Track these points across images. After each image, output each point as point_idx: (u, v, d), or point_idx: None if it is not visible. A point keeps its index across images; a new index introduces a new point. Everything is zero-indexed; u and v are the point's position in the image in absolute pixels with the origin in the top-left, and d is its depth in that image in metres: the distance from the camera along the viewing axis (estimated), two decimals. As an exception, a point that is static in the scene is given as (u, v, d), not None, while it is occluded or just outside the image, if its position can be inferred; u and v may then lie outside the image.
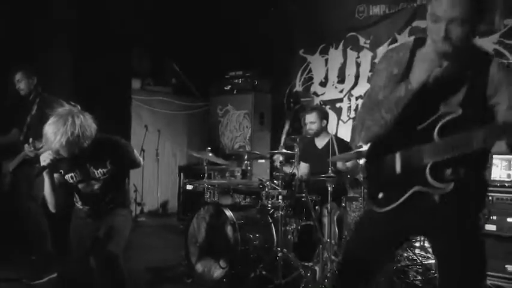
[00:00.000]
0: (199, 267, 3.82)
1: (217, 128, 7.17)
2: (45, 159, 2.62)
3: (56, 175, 2.76)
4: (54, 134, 2.47)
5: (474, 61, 1.74)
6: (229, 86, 6.93)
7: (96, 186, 2.81)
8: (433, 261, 4.02)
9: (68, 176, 2.79)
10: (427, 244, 4.42)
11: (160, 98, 7.27)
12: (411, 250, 4.17)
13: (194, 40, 6.94)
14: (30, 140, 3.65)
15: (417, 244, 4.40)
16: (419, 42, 1.83)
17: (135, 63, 6.83)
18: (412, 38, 1.90)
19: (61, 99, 4.08)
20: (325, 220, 3.84)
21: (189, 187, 5.99)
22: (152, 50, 7.03)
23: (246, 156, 4.86)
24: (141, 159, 3.02)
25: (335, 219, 3.91)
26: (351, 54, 6.24)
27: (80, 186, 2.83)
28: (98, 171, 2.75)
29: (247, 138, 6.77)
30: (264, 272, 3.58)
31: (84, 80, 5.40)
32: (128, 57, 6.51)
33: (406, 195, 1.81)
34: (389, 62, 1.88)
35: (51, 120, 2.53)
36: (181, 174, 6.47)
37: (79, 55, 5.42)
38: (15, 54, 4.63)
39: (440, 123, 1.71)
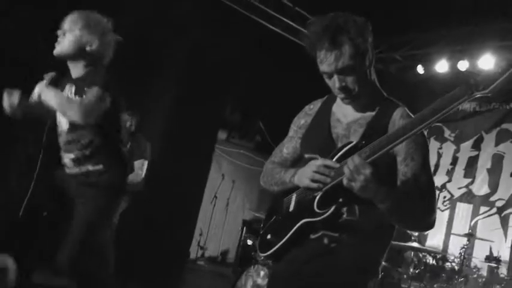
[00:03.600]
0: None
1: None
2: None
3: None
4: None
5: (377, 105, 1.72)
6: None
7: None
8: None
9: None
10: None
11: (241, 152, 7.68)
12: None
13: (281, 99, 7.20)
14: None
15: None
16: (332, 97, 1.84)
17: (225, 114, 7.29)
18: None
19: (150, 138, 4.56)
20: None
21: (249, 242, 6.15)
22: (242, 104, 7.41)
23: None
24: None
25: None
26: (434, 144, 6.20)
27: None
28: None
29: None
30: None
31: (176, 124, 5.87)
32: (220, 108, 6.94)
33: (293, 229, 1.68)
34: (299, 115, 1.95)
35: None
36: (244, 228, 6.66)
37: (176, 100, 5.88)
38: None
39: (338, 154, 1.65)
